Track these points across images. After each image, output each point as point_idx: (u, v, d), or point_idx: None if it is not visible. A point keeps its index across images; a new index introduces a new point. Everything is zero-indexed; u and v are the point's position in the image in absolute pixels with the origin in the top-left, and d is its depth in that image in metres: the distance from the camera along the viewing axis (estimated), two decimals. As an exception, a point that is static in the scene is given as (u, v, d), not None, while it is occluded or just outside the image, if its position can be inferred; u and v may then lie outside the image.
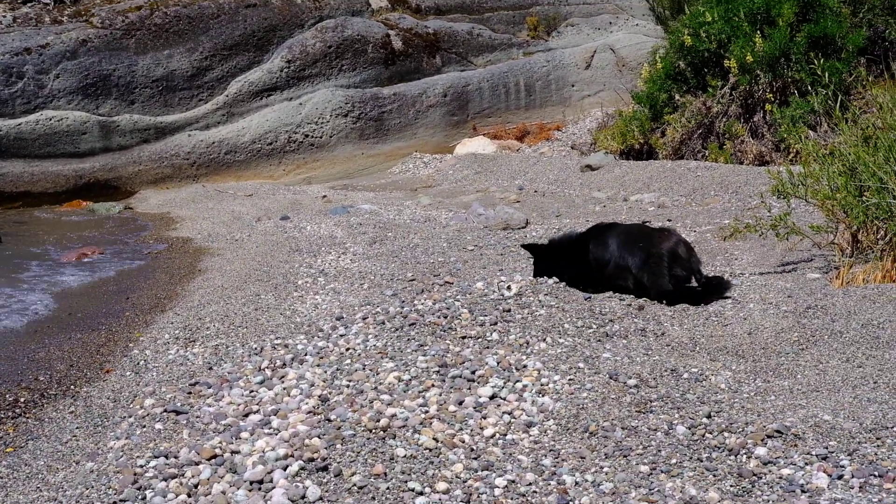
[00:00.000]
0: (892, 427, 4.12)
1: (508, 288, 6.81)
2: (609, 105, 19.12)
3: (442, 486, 3.86)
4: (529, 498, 3.79)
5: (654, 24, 21.21)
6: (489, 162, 16.91)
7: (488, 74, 19.62)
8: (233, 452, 4.25)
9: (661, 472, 3.94)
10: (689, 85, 15.18)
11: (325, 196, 14.49)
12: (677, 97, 15.05)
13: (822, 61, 12.14)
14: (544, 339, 5.72)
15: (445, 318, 6.17)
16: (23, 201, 15.52)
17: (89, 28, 16.32)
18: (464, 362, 5.29)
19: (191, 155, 16.78)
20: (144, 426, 4.78)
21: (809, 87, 12.98)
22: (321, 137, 17.79)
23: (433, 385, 4.96)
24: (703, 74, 14.95)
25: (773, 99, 13.80)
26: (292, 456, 4.11)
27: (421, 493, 3.82)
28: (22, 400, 5.47)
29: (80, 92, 15.88)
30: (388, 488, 3.85)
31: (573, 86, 20.47)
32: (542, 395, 4.82)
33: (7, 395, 5.57)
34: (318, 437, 4.28)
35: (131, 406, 5.18)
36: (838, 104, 8.93)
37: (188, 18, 17.24)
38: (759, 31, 14.01)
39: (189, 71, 16.96)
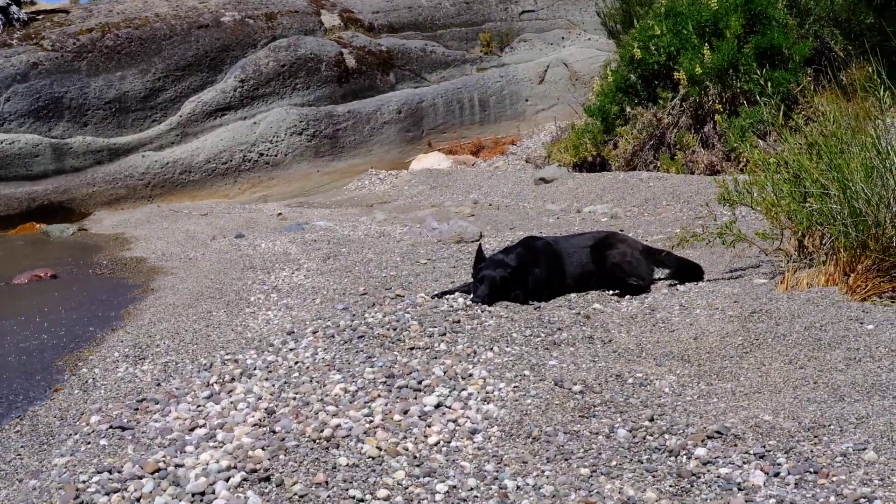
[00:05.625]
0: (830, 425, 4.18)
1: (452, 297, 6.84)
2: (563, 119, 19.24)
3: (383, 493, 3.86)
4: (470, 503, 3.81)
5: (605, 38, 21.40)
6: (444, 177, 16.96)
7: (442, 90, 19.69)
8: (176, 466, 4.23)
9: (602, 474, 3.97)
10: (640, 97, 15.34)
11: (280, 214, 14.47)
12: (629, 109, 15.20)
13: (767, 71, 12.29)
14: (491, 349, 5.73)
15: (395, 330, 6.17)
16: (-25, 225, 15.40)
17: (40, 51, 16.23)
18: (411, 373, 5.29)
19: (145, 175, 16.70)
20: (89, 443, 4.75)
21: (758, 98, 13.14)
22: (276, 156, 17.77)
23: (379, 395, 4.96)
24: (654, 87, 15.11)
25: (722, 110, 13.96)
26: (235, 468, 4.09)
27: (362, 501, 3.82)
28: (-33, 421, 5.43)
29: (31, 115, 15.77)
30: (328, 496, 3.84)
31: (527, 100, 20.58)
32: (487, 403, 4.84)
33: (-48, 417, 5.53)
34: (262, 448, 4.27)
35: (77, 423, 5.15)
36: (781, 114, 9.03)
37: (140, 40, 17.18)
38: (707, 44, 14.19)
39: (142, 92, 16.89)
